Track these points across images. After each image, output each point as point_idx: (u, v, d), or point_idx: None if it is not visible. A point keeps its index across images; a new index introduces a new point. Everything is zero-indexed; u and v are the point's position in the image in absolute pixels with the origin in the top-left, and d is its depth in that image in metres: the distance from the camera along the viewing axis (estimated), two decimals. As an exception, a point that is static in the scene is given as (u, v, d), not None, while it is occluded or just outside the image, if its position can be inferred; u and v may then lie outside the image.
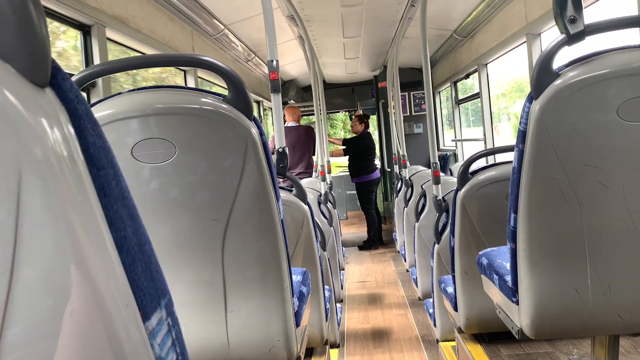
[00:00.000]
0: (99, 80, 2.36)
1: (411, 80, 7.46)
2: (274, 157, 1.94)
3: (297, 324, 1.43)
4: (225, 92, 1.29)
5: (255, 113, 6.76)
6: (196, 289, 1.34)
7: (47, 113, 0.37)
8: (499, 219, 2.04)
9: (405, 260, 4.97)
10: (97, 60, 2.40)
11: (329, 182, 4.54)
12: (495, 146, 4.75)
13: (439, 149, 7.23)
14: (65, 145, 0.38)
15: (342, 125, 13.24)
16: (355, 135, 6.51)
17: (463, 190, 2.18)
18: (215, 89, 4.64)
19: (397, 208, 5.39)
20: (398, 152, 5.69)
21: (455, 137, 6.46)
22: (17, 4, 0.35)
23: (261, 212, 1.31)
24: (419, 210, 3.75)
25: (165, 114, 1.23)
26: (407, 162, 5.22)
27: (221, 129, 1.24)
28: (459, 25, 4.87)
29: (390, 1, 4.20)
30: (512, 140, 3.42)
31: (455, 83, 6.22)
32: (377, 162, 7.28)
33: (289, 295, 1.38)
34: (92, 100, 2.29)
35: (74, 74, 1.31)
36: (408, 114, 7.80)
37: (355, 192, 6.75)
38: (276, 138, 2.03)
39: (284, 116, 5.92)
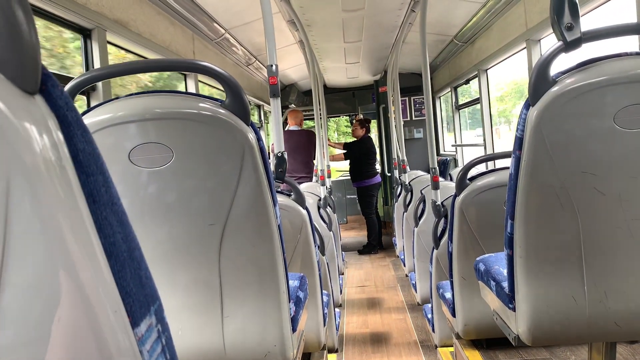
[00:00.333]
0: (99, 84, 2.37)
1: (412, 85, 7.47)
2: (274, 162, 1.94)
3: (294, 329, 1.43)
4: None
5: (255, 117, 6.76)
6: (192, 293, 1.34)
7: (36, 120, 0.37)
8: (497, 224, 2.04)
9: (404, 265, 4.96)
10: (97, 64, 2.41)
11: (328, 187, 4.54)
12: (495, 151, 4.75)
13: (439, 154, 7.23)
14: (54, 151, 0.38)
15: (335, 127, 13.11)
16: (356, 139, 6.52)
17: (461, 195, 2.18)
18: (214, 92, 4.66)
19: (396, 213, 5.39)
20: (398, 156, 5.69)
21: (456, 142, 6.46)
22: (7, 11, 0.35)
23: (258, 216, 1.31)
24: (419, 215, 3.75)
25: (163, 118, 1.24)
26: (407, 167, 5.22)
27: (219, 134, 1.24)
28: (459, 31, 4.88)
29: (391, 6, 4.21)
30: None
31: (455, 88, 6.23)
32: (378, 166, 7.29)
33: (285, 300, 1.38)
34: (92, 104, 2.30)
35: (73, 78, 1.31)
36: (408, 118, 7.81)
37: (355, 196, 6.75)
38: (275, 143, 2.03)
39: (287, 120, 5.92)
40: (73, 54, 2.52)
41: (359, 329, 3.82)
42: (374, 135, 7.97)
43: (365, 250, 6.52)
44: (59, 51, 2.49)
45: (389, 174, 7.24)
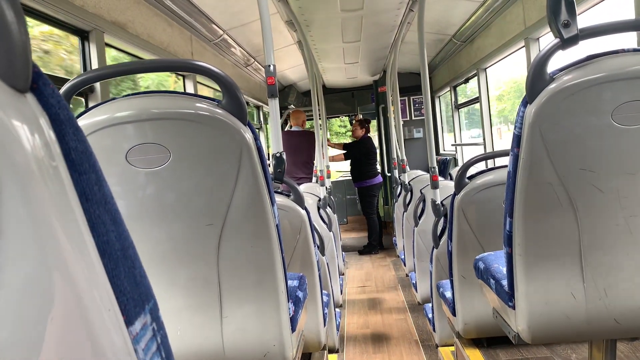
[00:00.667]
0: (97, 86, 2.37)
1: (411, 84, 7.47)
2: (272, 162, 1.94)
3: (293, 329, 1.43)
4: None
5: (254, 118, 6.74)
6: (191, 294, 1.34)
7: (27, 118, 0.37)
8: (496, 223, 2.04)
9: (404, 265, 4.96)
10: (95, 65, 2.41)
11: (328, 187, 4.53)
12: (496, 150, 4.75)
13: (439, 154, 7.23)
14: (46, 150, 0.38)
15: (327, 127, 13.04)
16: (355, 140, 6.52)
17: (460, 194, 2.18)
18: (213, 93, 4.66)
19: (396, 213, 5.39)
20: (398, 156, 5.69)
21: (455, 141, 6.46)
22: None
23: (256, 217, 1.31)
24: (418, 215, 3.75)
25: (160, 119, 1.24)
26: (407, 167, 5.22)
27: (216, 134, 1.24)
28: (458, 30, 4.88)
29: (390, 6, 4.21)
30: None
31: (454, 87, 6.23)
32: (378, 166, 7.29)
33: (284, 300, 1.37)
34: (90, 105, 2.30)
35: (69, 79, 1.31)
36: (408, 118, 7.81)
37: (355, 196, 6.75)
38: (273, 143, 2.03)
39: (288, 120, 5.91)
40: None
41: (359, 329, 3.82)
42: (373, 135, 7.96)
43: (365, 250, 6.52)
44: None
45: (389, 174, 7.25)
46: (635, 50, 1.25)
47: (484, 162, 2.97)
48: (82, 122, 1.23)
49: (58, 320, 0.37)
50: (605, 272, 1.34)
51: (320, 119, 4.81)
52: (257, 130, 1.34)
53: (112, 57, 2.86)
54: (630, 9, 2.41)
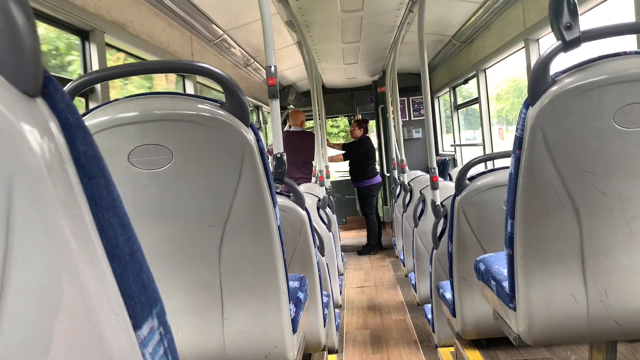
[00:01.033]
0: (98, 86, 2.37)
1: (410, 85, 7.48)
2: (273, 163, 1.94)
3: (294, 330, 1.43)
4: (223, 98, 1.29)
5: (254, 118, 6.74)
6: (192, 295, 1.34)
7: (38, 123, 0.37)
8: (496, 224, 2.04)
9: (404, 266, 4.96)
10: (95, 66, 2.41)
11: (327, 187, 4.53)
12: (495, 151, 4.75)
13: (438, 154, 7.24)
14: (56, 154, 0.38)
15: None
16: (354, 140, 6.52)
17: (461, 195, 2.18)
18: (214, 93, 4.66)
19: (396, 213, 5.39)
20: (397, 157, 5.69)
21: (455, 142, 6.47)
22: (7, 14, 0.35)
23: (258, 218, 1.31)
24: (418, 216, 3.75)
25: (162, 120, 1.23)
26: (406, 167, 5.23)
27: (218, 135, 1.24)
28: (457, 31, 4.88)
29: (389, 7, 4.21)
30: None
31: (454, 88, 6.24)
32: (378, 166, 7.29)
33: (285, 302, 1.37)
34: (90, 107, 2.30)
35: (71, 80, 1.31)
36: (407, 118, 7.81)
37: (354, 197, 6.74)
38: (274, 144, 2.03)
39: (289, 120, 5.91)
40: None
41: (359, 329, 3.82)
42: (373, 135, 7.97)
43: (364, 250, 6.52)
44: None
45: (388, 174, 7.25)
46: (637, 52, 1.26)
47: (483, 163, 2.98)
48: None
49: (67, 324, 0.37)
50: (607, 274, 1.34)
51: (319, 119, 4.81)
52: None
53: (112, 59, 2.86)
54: (630, 9, 2.41)
